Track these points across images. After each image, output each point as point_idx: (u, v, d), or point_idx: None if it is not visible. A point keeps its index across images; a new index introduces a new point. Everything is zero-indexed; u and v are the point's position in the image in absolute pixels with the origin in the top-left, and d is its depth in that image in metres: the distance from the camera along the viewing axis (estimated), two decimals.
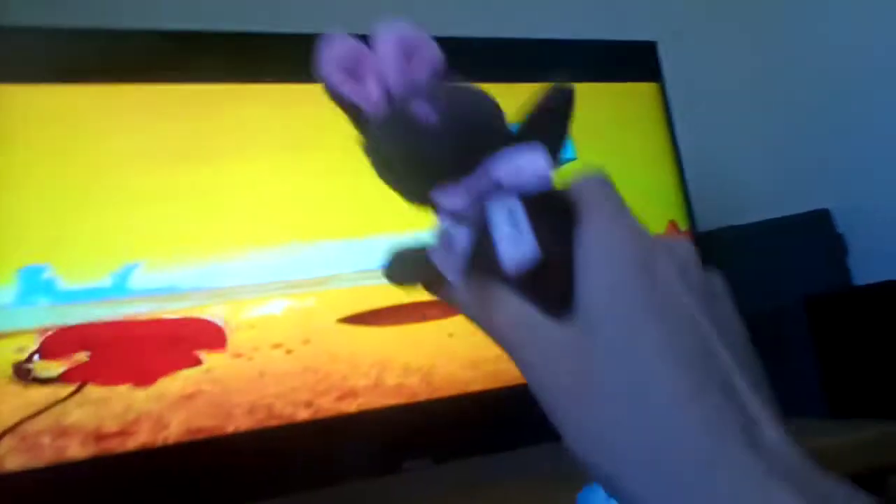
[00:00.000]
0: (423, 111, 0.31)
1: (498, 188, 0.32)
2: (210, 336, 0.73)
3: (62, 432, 0.67)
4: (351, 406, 0.74)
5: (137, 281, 0.72)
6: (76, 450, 0.67)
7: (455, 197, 0.32)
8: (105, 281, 0.72)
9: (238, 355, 0.73)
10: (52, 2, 0.84)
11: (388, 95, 0.33)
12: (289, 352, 0.75)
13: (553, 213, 0.32)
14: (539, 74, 0.92)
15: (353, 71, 0.33)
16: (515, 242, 0.31)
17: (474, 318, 0.33)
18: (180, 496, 0.70)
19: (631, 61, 1.01)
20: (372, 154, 0.34)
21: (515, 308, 0.31)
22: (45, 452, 0.66)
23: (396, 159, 0.33)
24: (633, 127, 0.99)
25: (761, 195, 1.28)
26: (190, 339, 0.72)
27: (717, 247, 1.01)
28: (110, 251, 0.72)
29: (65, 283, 0.71)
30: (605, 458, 0.28)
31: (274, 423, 0.73)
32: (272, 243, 0.77)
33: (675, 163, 0.99)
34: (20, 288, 0.69)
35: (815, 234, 1.18)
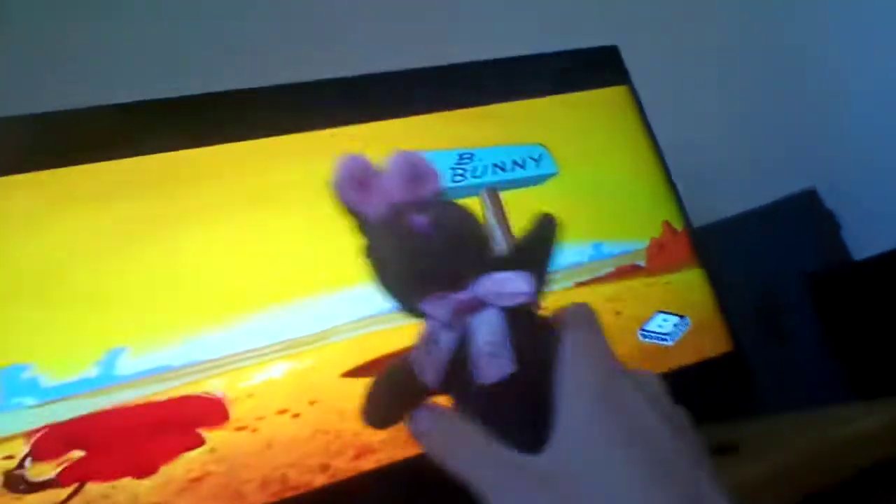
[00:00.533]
0: (420, 222, 0.35)
1: (482, 304, 0.35)
2: (210, 411, 0.69)
3: None
4: (369, 463, 0.70)
5: (125, 366, 0.68)
6: None
7: (442, 308, 0.35)
8: (90, 371, 0.67)
9: (241, 428, 0.69)
10: None
11: (391, 206, 0.37)
12: (295, 416, 0.71)
13: (532, 330, 0.36)
14: (508, 93, 0.90)
15: (362, 185, 0.38)
16: (494, 355, 0.34)
17: (440, 454, 0.35)
18: None
19: (595, 67, 1.00)
20: (371, 258, 0.38)
21: (484, 442, 0.33)
22: None
23: (391, 264, 0.37)
24: (610, 133, 0.97)
25: (745, 183, 1.26)
26: (188, 419, 0.68)
27: (711, 242, 0.98)
28: (92, 339, 0.68)
29: (48, 379, 0.66)
30: None
31: (290, 493, 0.68)
32: (261, 306, 0.73)
33: (659, 163, 0.97)
34: (1, 391, 0.65)
35: (805, 214, 1.16)
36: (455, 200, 0.39)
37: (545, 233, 0.42)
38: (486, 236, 0.38)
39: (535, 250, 0.41)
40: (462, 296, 0.35)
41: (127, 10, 1.11)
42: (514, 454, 0.33)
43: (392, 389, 0.38)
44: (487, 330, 0.35)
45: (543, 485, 0.31)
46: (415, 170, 0.38)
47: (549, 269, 0.41)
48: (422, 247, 0.36)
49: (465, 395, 0.36)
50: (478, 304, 0.35)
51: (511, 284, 0.35)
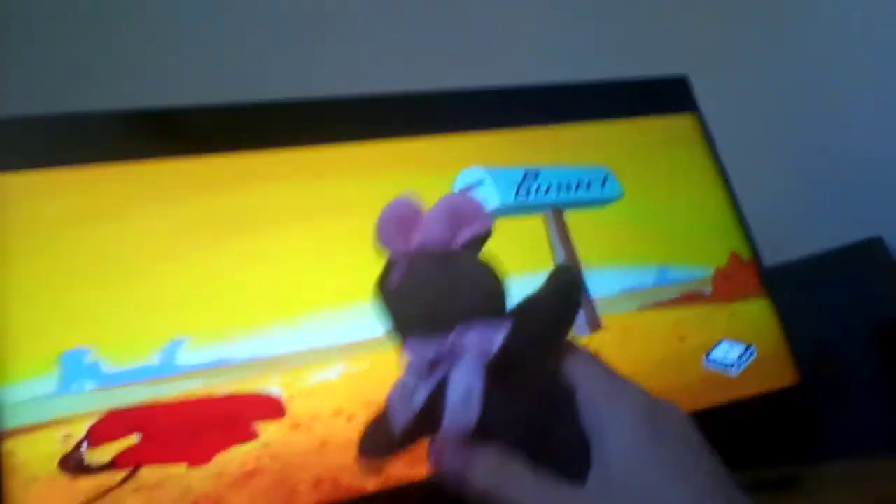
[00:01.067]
0: (394, 277, 0.37)
1: (462, 354, 0.35)
2: (266, 407, 0.68)
3: None
4: (423, 470, 0.68)
5: (186, 357, 0.68)
6: None
7: (417, 352, 0.36)
8: (151, 360, 0.67)
9: (297, 426, 0.68)
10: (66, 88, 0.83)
11: (405, 252, 0.38)
12: (350, 418, 0.70)
13: (523, 377, 0.36)
14: (577, 116, 0.90)
15: (403, 225, 0.39)
16: (462, 413, 0.35)
17: (489, 488, 0.36)
18: None
19: (664, 95, 0.99)
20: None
21: (533, 475, 0.35)
22: None
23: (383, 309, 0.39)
24: (677, 159, 0.95)
25: (809, 227, 1.23)
26: (245, 412, 0.68)
27: (775, 284, 0.96)
28: (155, 328, 0.68)
29: (109, 365, 0.66)
30: None
31: (342, 496, 0.67)
32: (323, 307, 0.73)
33: (727, 192, 0.95)
34: (63, 374, 0.65)
35: (870, 262, 1.13)
36: (477, 257, 0.39)
37: (555, 286, 0.40)
38: (476, 285, 0.38)
39: (540, 302, 0.39)
40: (439, 346, 0.36)
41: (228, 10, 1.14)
42: (563, 486, 0.34)
43: (379, 430, 0.41)
44: (461, 382, 0.35)
45: None
46: (456, 211, 0.38)
47: (555, 324, 0.40)
48: (394, 299, 0.38)
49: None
50: (455, 354, 0.36)
51: (487, 340, 0.35)
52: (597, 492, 0.32)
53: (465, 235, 0.38)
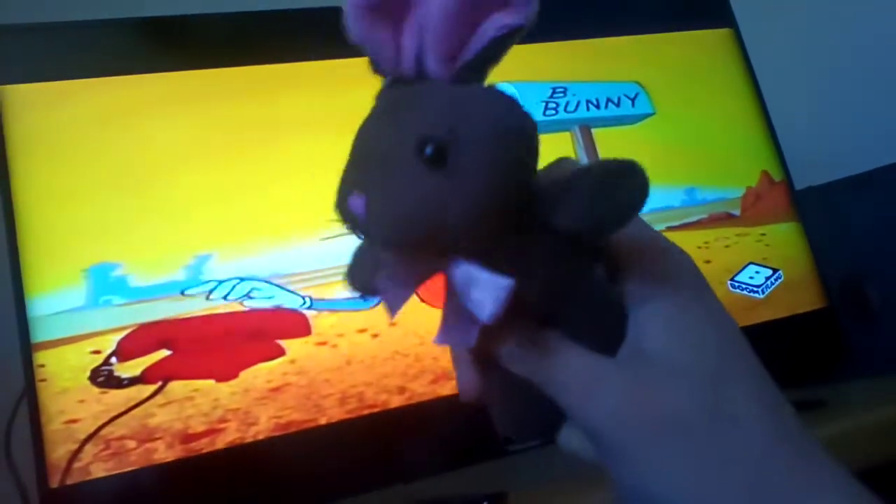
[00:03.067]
0: (355, 204, 0.25)
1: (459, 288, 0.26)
2: (292, 324, 0.69)
3: (148, 434, 0.63)
4: (446, 388, 0.69)
5: (213, 272, 0.68)
6: (163, 452, 0.63)
7: (406, 269, 0.27)
8: (178, 275, 0.68)
9: (322, 343, 0.69)
10: None
11: (420, 61, 0.26)
12: (375, 336, 0.70)
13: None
14: (607, 28, 0.87)
15: (393, 12, 0.26)
16: (460, 322, 0.26)
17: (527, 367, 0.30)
18: (275, 494, 0.65)
19: (700, 7, 0.96)
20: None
21: (577, 352, 0.29)
22: (131, 456, 0.62)
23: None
24: (711, 76, 0.93)
25: (842, 148, 1.20)
26: (271, 329, 0.68)
27: (816, 203, 0.94)
28: (182, 243, 0.68)
29: (136, 279, 0.67)
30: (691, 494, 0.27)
31: (366, 411, 0.68)
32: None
33: (761, 110, 0.92)
34: (90, 288, 0.66)
35: None
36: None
37: (619, 188, 0.26)
38: (466, 210, 0.25)
39: (569, 216, 0.27)
40: (431, 266, 0.27)
41: None
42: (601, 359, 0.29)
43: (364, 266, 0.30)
44: (462, 287, 0.26)
45: (644, 387, 0.28)
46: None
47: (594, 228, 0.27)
48: (363, 231, 0.26)
49: None
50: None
51: (475, 291, 0.26)
52: (630, 365, 0.28)
53: (486, 36, 0.25)
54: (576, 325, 0.29)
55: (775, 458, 0.27)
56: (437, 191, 0.25)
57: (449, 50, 0.25)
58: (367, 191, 0.25)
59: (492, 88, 0.27)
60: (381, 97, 0.28)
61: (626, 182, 0.26)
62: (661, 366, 0.28)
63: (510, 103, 0.27)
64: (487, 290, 0.25)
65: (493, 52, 0.26)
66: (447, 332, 0.27)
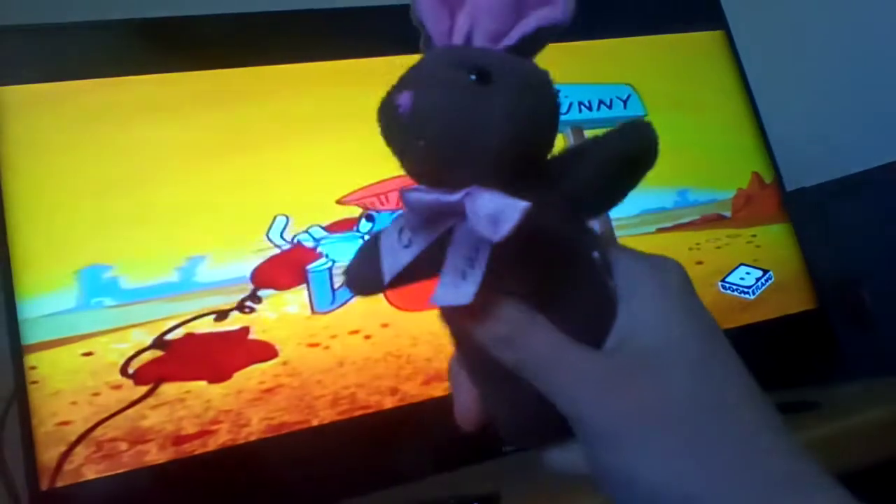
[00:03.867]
0: (403, 101, 0.27)
1: (472, 220, 0.27)
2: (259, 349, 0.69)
3: (140, 436, 0.63)
4: (438, 390, 0.69)
5: (205, 274, 0.68)
6: (155, 454, 0.63)
7: (421, 203, 0.28)
8: (171, 276, 0.67)
9: (315, 344, 0.69)
10: None
11: (469, 39, 0.29)
12: (367, 337, 0.70)
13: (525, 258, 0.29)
14: (599, 30, 0.87)
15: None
16: (458, 281, 0.27)
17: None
18: (267, 496, 0.65)
19: (692, 10, 0.96)
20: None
21: (555, 334, 0.29)
22: (123, 458, 0.62)
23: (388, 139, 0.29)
24: (702, 78, 0.93)
25: (842, 147, 1.21)
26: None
27: (807, 205, 0.94)
28: (174, 245, 0.68)
29: (128, 281, 0.67)
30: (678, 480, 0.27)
31: (359, 412, 0.68)
32: (340, 226, 0.73)
33: (752, 112, 0.93)
34: (82, 290, 0.65)
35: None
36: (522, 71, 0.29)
37: (616, 147, 0.30)
38: (499, 129, 0.27)
39: (584, 169, 0.30)
40: (444, 198, 0.28)
41: None
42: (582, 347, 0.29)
43: (366, 264, 0.32)
44: (465, 247, 0.28)
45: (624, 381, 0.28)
46: None
47: (606, 197, 0.31)
48: (403, 130, 0.28)
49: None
50: (461, 215, 0.28)
51: (489, 208, 0.26)
52: (615, 355, 0.29)
53: (529, 24, 0.29)
54: (567, 309, 0.30)
55: (762, 447, 0.27)
56: (480, 102, 0.27)
57: (497, 31, 0.29)
58: (417, 88, 0.27)
59: (534, 62, 0.30)
60: (428, 52, 0.30)
61: (639, 137, 0.30)
62: (649, 357, 0.28)
63: (546, 72, 0.30)
64: (503, 206, 0.26)
65: (534, 40, 0.29)
66: (445, 289, 0.28)
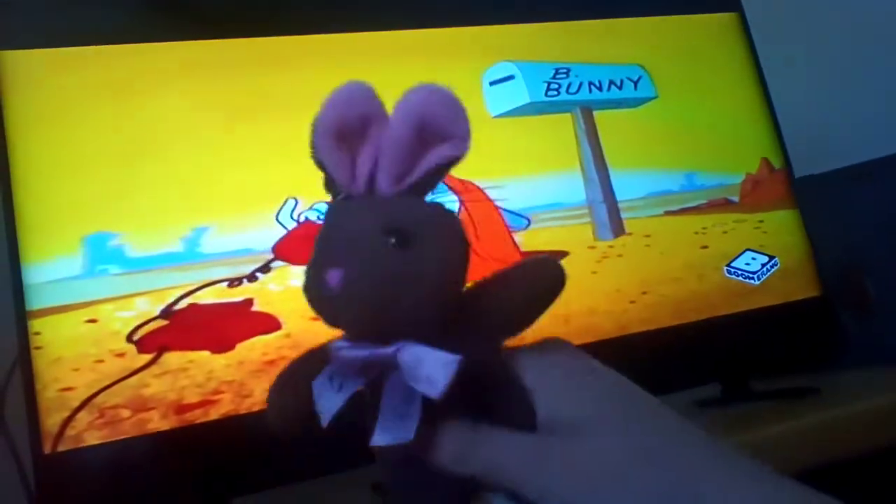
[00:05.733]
0: (332, 278, 0.29)
1: (404, 372, 0.29)
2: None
3: (142, 404, 0.63)
4: None
5: (210, 244, 0.68)
6: (157, 422, 0.63)
7: (354, 357, 0.30)
8: (176, 246, 0.68)
9: (317, 318, 0.69)
10: None
11: (371, 180, 0.31)
12: None
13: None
14: (611, 10, 0.86)
15: (353, 137, 0.30)
16: (397, 421, 0.29)
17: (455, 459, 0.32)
18: (268, 466, 0.66)
19: None
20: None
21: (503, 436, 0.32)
22: (124, 425, 0.63)
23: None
24: (714, 60, 0.92)
25: (853, 135, 1.20)
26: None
27: (815, 192, 0.94)
28: (180, 214, 0.68)
29: (134, 249, 0.67)
30: None
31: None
32: None
33: (763, 97, 0.92)
34: (87, 257, 0.65)
35: None
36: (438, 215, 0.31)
37: (530, 293, 0.33)
38: (421, 285, 0.29)
39: (501, 315, 0.33)
40: (378, 352, 0.29)
41: None
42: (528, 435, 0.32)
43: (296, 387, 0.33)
44: (401, 390, 0.29)
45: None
46: (427, 122, 0.30)
47: (518, 329, 0.33)
48: (334, 305, 0.30)
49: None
50: (393, 367, 0.29)
51: (425, 369, 0.28)
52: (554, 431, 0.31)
53: (430, 163, 0.30)
54: (503, 409, 0.32)
55: (700, 468, 0.30)
56: (407, 266, 0.29)
57: (399, 174, 0.30)
58: (346, 267, 0.29)
59: (440, 203, 0.32)
60: (338, 206, 0.32)
61: (547, 276, 0.33)
62: (579, 424, 0.31)
63: (456, 217, 0.32)
64: (437, 365, 0.28)
65: (434, 176, 0.31)
66: (386, 431, 0.30)
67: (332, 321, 0.31)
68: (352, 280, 0.29)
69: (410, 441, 0.29)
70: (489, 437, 0.31)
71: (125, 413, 0.63)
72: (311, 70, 0.75)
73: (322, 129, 0.31)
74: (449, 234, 0.31)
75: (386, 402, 0.30)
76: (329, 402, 0.30)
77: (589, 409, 0.31)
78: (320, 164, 0.32)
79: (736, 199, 0.88)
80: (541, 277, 0.33)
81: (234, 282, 0.68)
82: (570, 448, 0.30)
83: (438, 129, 0.30)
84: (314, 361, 0.33)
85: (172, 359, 0.65)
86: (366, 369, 0.30)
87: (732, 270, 0.84)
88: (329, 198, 0.33)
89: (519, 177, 0.79)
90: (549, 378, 0.32)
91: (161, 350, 0.65)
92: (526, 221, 0.79)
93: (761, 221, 0.88)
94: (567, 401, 0.32)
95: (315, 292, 0.30)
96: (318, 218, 0.71)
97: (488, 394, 0.32)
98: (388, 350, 0.29)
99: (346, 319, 0.31)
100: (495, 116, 0.80)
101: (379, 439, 0.29)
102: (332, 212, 0.32)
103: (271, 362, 0.67)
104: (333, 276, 0.29)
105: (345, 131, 0.30)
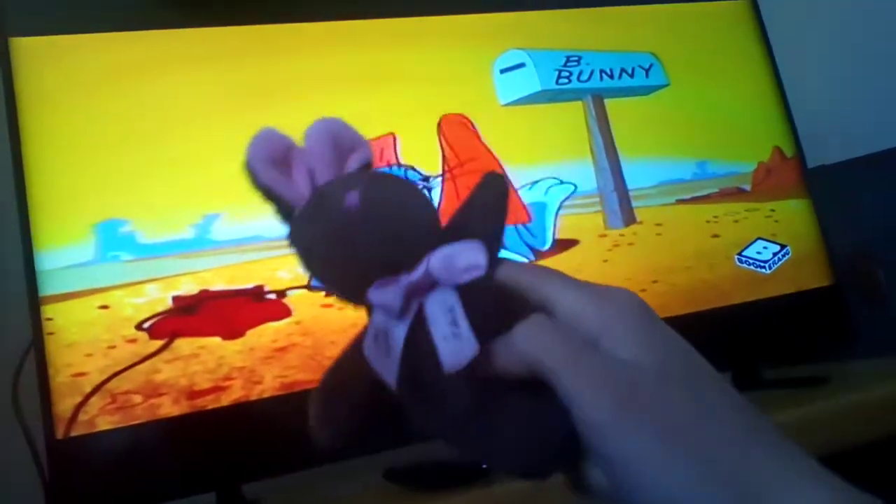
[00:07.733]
0: (350, 199, 0.31)
1: (434, 284, 0.31)
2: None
3: (153, 389, 0.64)
4: None
5: (220, 232, 0.68)
6: (168, 407, 0.64)
7: (390, 295, 0.30)
8: (187, 233, 0.68)
9: (328, 305, 0.69)
10: None
11: (315, 188, 0.33)
12: None
13: (493, 302, 0.31)
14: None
15: (281, 161, 0.33)
16: (456, 341, 0.30)
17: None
18: (279, 452, 0.66)
19: None
20: (297, 246, 0.33)
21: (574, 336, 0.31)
22: (136, 410, 0.63)
23: (324, 251, 0.32)
24: (726, 49, 0.92)
25: (865, 125, 1.19)
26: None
27: (827, 182, 0.93)
28: (191, 202, 0.69)
29: (144, 236, 0.67)
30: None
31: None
32: None
33: (775, 85, 0.92)
34: (98, 244, 0.66)
35: None
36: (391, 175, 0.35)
37: (491, 195, 0.36)
38: (429, 206, 0.33)
39: (484, 215, 0.36)
40: (411, 277, 0.30)
41: None
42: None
43: (344, 395, 0.34)
44: (442, 312, 0.30)
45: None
46: (337, 139, 0.34)
47: (501, 235, 0.36)
48: (355, 226, 0.31)
49: (429, 389, 0.31)
50: (429, 285, 0.31)
51: (463, 258, 0.31)
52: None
53: (353, 164, 0.34)
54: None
55: (754, 447, 0.29)
56: (414, 185, 0.35)
57: (333, 176, 0.33)
58: (359, 187, 0.31)
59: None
60: (304, 210, 0.33)
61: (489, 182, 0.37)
62: (638, 372, 0.30)
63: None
64: (469, 251, 0.31)
65: None
66: (451, 354, 0.30)
67: (348, 248, 0.31)
68: (370, 195, 0.31)
69: (480, 351, 0.30)
70: (559, 331, 0.31)
71: (137, 398, 0.63)
72: (323, 56, 0.75)
73: (259, 163, 0.33)
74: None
75: (436, 332, 0.30)
76: (387, 369, 0.31)
77: (660, 354, 0.31)
78: (267, 191, 0.34)
79: (748, 187, 0.87)
80: (486, 185, 0.37)
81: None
82: (637, 388, 0.30)
83: (348, 141, 0.34)
84: (352, 367, 0.34)
85: (184, 345, 0.65)
86: (403, 308, 0.31)
87: (744, 259, 0.84)
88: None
89: (529, 165, 0.79)
90: (627, 316, 0.32)
91: (172, 336, 0.65)
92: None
93: (773, 210, 0.87)
94: (637, 343, 0.31)
95: (328, 224, 0.32)
96: None
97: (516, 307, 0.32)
98: (418, 270, 0.30)
99: (367, 236, 0.31)
100: (505, 104, 0.80)
101: (450, 364, 0.29)
102: (302, 216, 0.33)
103: (282, 349, 0.67)
104: (352, 197, 0.31)
105: (276, 159, 0.33)
